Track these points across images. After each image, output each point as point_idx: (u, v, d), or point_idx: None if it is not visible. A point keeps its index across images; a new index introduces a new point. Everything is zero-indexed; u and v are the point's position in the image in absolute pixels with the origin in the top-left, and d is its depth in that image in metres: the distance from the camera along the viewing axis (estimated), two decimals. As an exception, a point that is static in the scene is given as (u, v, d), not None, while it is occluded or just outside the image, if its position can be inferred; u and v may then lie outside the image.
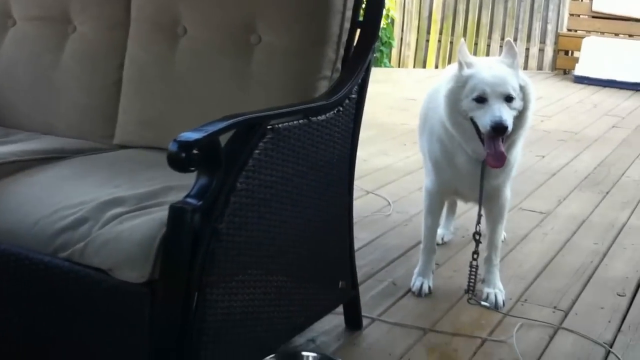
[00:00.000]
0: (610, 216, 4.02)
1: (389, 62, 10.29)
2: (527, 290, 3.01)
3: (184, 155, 1.70)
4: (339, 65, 2.34)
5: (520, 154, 2.89)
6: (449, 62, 10.42)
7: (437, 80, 2.93)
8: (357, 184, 4.13)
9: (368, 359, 2.41)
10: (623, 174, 4.96)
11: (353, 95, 2.31)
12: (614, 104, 7.82)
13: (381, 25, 9.78)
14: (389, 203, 3.94)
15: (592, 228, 3.81)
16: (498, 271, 2.95)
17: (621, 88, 8.82)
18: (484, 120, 2.52)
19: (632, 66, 8.93)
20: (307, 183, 2.14)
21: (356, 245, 3.15)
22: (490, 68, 2.61)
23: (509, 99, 2.54)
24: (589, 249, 3.51)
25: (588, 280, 3.15)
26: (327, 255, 2.34)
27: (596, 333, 2.68)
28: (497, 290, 2.89)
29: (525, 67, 10.38)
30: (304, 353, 2.24)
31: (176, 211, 1.73)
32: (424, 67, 10.66)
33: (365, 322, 2.62)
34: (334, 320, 2.56)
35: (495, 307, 2.83)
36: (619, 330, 2.72)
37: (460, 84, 2.59)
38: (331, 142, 2.23)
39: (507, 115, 2.51)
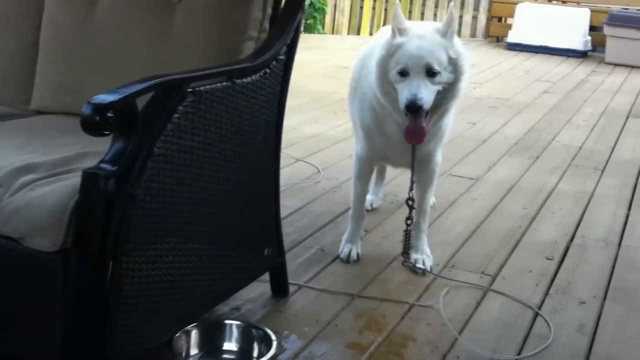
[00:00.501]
0: (539, 181, 4.05)
1: (322, 28, 10.19)
2: (455, 256, 3.01)
3: (98, 118, 1.63)
4: (266, 25, 2.27)
5: (452, 121, 2.87)
6: (384, 28, 10.38)
7: (369, 45, 2.88)
8: (287, 151, 4.11)
9: (294, 326, 2.37)
10: (553, 139, 5.01)
11: (281, 57, 2.25)
12: (546, 70, 7.91)
13: (314, -10, 9.76)
14: (319, 170, 3.90)
15: (521, 193, 3.83)
16: (426, 237, 2.93)
17: (553, 54, 8.92)
18: (402, 96, 2.47)
19: (564, 32, 9.04)
20: (230, 148, 2.07)
21: (284, 212, 3.12)
22: (420, 38, 2.53)
23: (431, 73, 2.47)
24: (518, 213, 3.53)
25: (516, 245, 3.16)
26: (252, 222, 2.28)
27: (524, 296, 2.69)
28: (425, 255, 2.88)
29: (459, 35, 10.38)
30: (227, 322, 2.21)
31: (89, 177, 1.65)
32: (358, 34, 10.59)
33: (292, 289, 2.58)
34: (260, 287, 2.51)
35: (423, 272, 2.82)
36: (546, 293, 2.73)
37: (390, 53, 2.54)
38: (257, 105, 2.17)
39: (424, 92, 2.45)
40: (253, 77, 2.11)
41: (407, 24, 2.58)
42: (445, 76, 2.51)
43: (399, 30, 2.54)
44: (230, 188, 2.10)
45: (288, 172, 3.75)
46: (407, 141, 2.58)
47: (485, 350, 2.31)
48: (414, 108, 2.44)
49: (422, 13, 10.59)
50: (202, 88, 1.90)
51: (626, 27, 8.62)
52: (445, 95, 2.56)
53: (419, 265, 2.83)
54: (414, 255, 2.87)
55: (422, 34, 2.56)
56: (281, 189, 3.45)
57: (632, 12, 9.39)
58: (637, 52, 8.53)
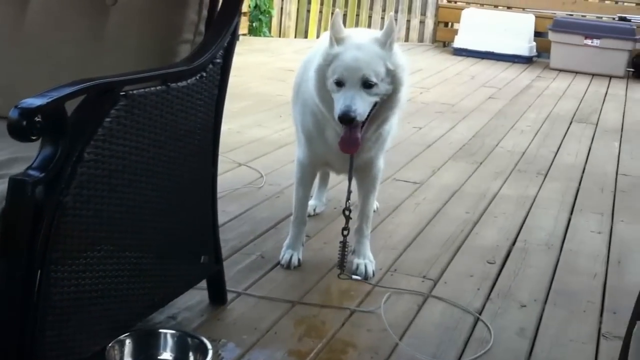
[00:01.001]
0: (483, 186, 4.06)
1: (269, 31, 10.17)
2: (397, 261, 3.00)
3: (24, 123, 1.59)
4: (202, 28, 2.23)
5: (395, 128, 2.87)
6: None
7: (312, 50, 2.86)
8: (229, 156, 4.08)
9: (232, 334, 2.33)
10: (497, 145, 5.04)
11: (218, 60, 2.21)
12: (492, 76, 7.98)
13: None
14: (262, 175, 3.86)
15: (464, 198, 3.85)
16: (368, 242, 2.92)
17: (499, 60, 9.00)
18: (336, 107, 2.46)
19: (509, 38, 9.13)
20: (165, 154, 2.03)
21: (224, 218, 3.10)
22: (357, 48, 2.50)
23: (367, 85, 2.45)
24: (461, 218, 3.53)
25: (458, 249, 3.16)
26: (188, 229, 2.24)
27: (465, 301, 2.69)
28: (367, 260, 2.87)
29: (407, 40, 10.49)
30: (162, 330, 2.16)
31: (15, 184, 1.61)
32: (306, 37, 10.60)
33: (231, 296, 2.54)
34: (197, 295, 2.47)
35: (365, 277, 2.80)
36: (487, 298, 2.74)
37: (327, 62, 2.51)
38: (193, 109, 2.13)
39: (359, 103, 2.43)
40: (189, 81, 2.07)
41: (346, 33, 2.56)
42: (382, 88, 2.49)
43: (336, 40, 2.51)
44: (164, 194, 2.05)
45: (230, 177, 3.71)
46: (341, 150, 2.56)
47: (426, 356, 2.30)
48: (346, 119, 2.43)
49: (370, 17, 10.63)
50: (135, 91, 1.86)
51: (570, 33, 8.73)
52: (384, 105, 2.54)
53: (355, 276, 2.80)
54: (356, 261, 2.86)
55: (360, 44, 2.53)
56: (222, 194, 3.47)
57: (577, 18, 9.52)
58: (581, 58, 8.65)
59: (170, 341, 2.12)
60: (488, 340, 2.42)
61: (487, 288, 2.82)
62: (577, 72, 8.58)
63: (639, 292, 1.77)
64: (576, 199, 4.00)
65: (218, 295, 2.48)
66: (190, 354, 2.08)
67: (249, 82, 6.19)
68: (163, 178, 2.04)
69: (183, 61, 2.13)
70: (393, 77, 2.52)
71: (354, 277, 2.80)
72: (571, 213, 3.77)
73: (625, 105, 7.01)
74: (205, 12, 2.23)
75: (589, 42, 8.65)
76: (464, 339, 2.43)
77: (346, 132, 2.49)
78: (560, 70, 8.68)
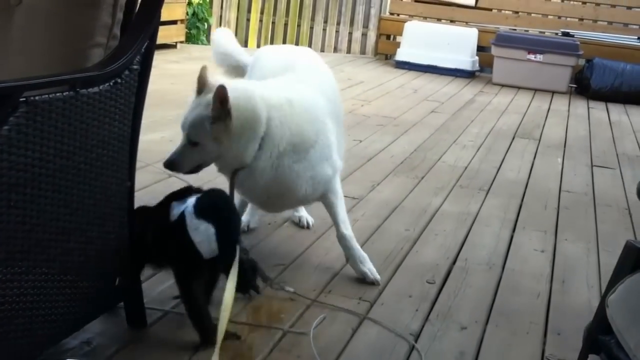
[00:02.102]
0: (424, 202, 3.95)
1: (207, 39, 9.97)
2: (332, 281, 2.85)
3: None
4: (116, 31, 2.07)
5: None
6: (271, 43, 10.27)
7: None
8: (160, 166, 3.89)
9: (152, 359, 2.15)
10: (439, 159, 4.94)
11: (135, 67, 2.04)
12: (434, 90, 7.91)
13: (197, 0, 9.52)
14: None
15: (405, 214, 3.72)
16: (356, 243, 2.90)
17: (441, 74, 8.95)
18: None
19: (452, 52, 9.07)
20: (74, 165, 1.86)
21: (151, 234, 2.91)
22: (190, 107, 2.62)
23: (192, 142, 2.59)
24: (400, 235, 3.40)
25: (397, 268, 3.03)
26: (102, 248, 2.05)
27: (403, 323, 2.55)
28: (367, 265, 2.87)
29: (349, 52, 10.42)
30: (68, 360, 1.97)
31: None
32: (246, 46, 10.41)
33: (155, 316, 2.37)
34: (115, 318, 2.28)
35: (373, 282, 2.84)
36: (426, 319, 2.61)
37: None
38: (107, 118, 1.96)
39: (182, 157, 2.64)
40: (101, 87, 1.90)
41: (210, 84, 2.60)
42: (209, 147, 2.57)
43: (197, 90, 2.63)
44: (72, 210, 1.87)
45: (159, 188, 3.53)
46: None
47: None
48: (168, 166, 2.66)
49: (312, 28, 10.53)
50: (37, 97, 1.69)
51: (513, 48, 8.71)
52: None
53: (369, 278, 2.85)
54: (358, 269, 2.87)
55: (197, 104, 2.60)
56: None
57: (520, 32, 9.55)
58: (524, 73, 8.64)
59: (76, 373, 1.94)
60: (426, 366, 2.29)
61: (426, 309, 2.68)
62: (519, 87, 8.57)
63: (586, 329, 1.65)
64: (519, 216, 3.90)
65: (137, 318, 2.29)
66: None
67: (185, 89, 5.96)
68: (71, 193, 1.86)
69: (95, 66, 1.97)
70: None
71: (287, 288, 2.70)
72: (513, 230, 3.67)
73: (568, 121, 7.00)
74: (120, 15, 2.07)
75: (532, 57, 8.65)
76: (401, 365, 2.29)
77: None
78: (503, 85, 8.66)
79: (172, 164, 2.63)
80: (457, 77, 8.88)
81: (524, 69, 8.65)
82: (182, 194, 2.31)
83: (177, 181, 3.72)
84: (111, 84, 1.94)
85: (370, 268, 2.87)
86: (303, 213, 3.39)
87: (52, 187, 1.78)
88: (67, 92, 1.79)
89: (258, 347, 2.30)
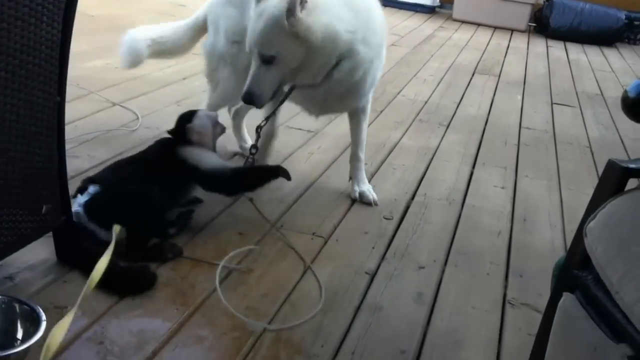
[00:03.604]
0: (382, 135, 3.78)
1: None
2: (285, 215, 2.68)
3: None
4: None
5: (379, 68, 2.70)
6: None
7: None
8: (103, 94, 3.68)
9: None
10: (398, 93, 4.78)
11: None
12: (394, 23, 7.71)
13: None
14: (138, 117, 3.47)
15: (362, 147, 3.54)
16: (363, 166, 2.95)
17: (401, 8, 8.76)
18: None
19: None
20: (-9, 74, 1.63)
21: (89, 163, 2.75)
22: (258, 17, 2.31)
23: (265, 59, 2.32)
24: (357, 169, 3.22)
25: (353, 204, 2.87)
26: (26, 171, 1.82)
27: (358, 261, 2.40)
28: (368, 187, 2.92)
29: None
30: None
31: None
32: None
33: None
34: (43, 253, 2.09)
35: (371, 203, 2.86)
36: (383, 257, 2.46)
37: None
38: (32, 18, 1.69)
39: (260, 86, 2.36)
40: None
41: None
42: (289, 54, 2.31)
43: None
44: (-9, 128, 1.66)
45: (102, 117, 3.32)
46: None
47: (311, 325, 1.99)
48: (247, 99, 2.38)
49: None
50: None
51: (474, -15, 8.54)
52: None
53: (366, 198, 2.88)
54: (356, 188, 2.89)
55: (261, 11, 2.32)
56: (90, 136, 3.08)
57: (481, -31, 9.34)
58: (484, 10, 8.49)
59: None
60: (381, 307, 2.13)
61: (383, 246, 2.53)
62: (479, 24, 8.44)
63: (562, 262, 1.49)
64: (479, 152, 3.76)
65: (66, 253, 2.09)
66: (19, 324, 1.71)
67: (135, 14, 5.72)
68: (-11, 107, 1.64)
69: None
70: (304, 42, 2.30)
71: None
72: (473, 166, 3.53)
73: (527, 59, 6.89)
74: None
75: (492, -7, 8.49)
76: (355, 305, 2.13)
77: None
78: (463, 22, 8.51)
79: (252, 95, 2.34)
80: (417, 12, 8.70)
81: (484, 6, 8.49)
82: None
83: (121, 110, 3.52)
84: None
85: (369, 189, 2.89)
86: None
87: (-35, 99, 1.56)
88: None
89: (202, 285, 2.12)
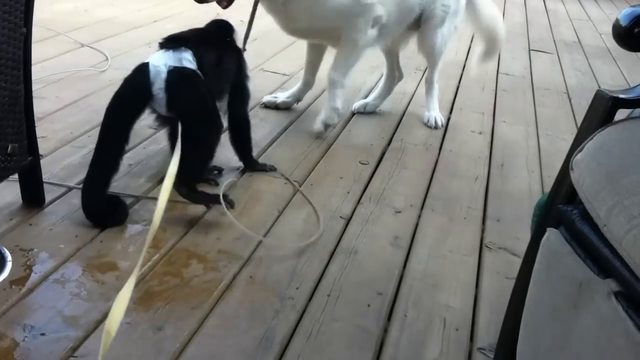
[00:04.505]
0: (358, 80, 3.73)
1: None
2: (259, 159, 2.60)
3: None
4: None
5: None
6: None
7: None
8: (72, 35, 3.57)
9: (47, 241, 1.89)
10: (374, 39, 4.67)
11: None
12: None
13: None
14: (107, 58, 3.37)
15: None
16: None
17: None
18: None
19: None
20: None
21: (56, 105, 2.66)
22: None
23: None
24: (332, 113, 3.16)
25: (328, 149, 2.81)
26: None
27: (333, 205, 2.35)
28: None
29: None
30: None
31: None
32: None
33: (53, 195, 2.11)
34: (9, 195, 2.02)
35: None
36: (358, 202, 2.41)
37: None
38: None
39: None
40: None
41: None
42: None
43: None
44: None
45: (69, 58, 3.22)
46: None
47: (285, 270, 1.94)
48: None
49: None
50: None
51: None
52: None
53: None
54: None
55: None
56: (57, 77, 2.99)
57: None
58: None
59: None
60: (357, 250, 2.09)
61: (359, 191, 2.48)
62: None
63: (545, 200, 1.44)
64: (456, 97, 3.71)
65: (33, 195, 2.02)
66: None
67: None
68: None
69: None
70: None
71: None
72: (451, 112, 3.48)
73: (504, 7, 6.80)
74: None
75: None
76: (330, 249, 2.08)
77: None
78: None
79: None
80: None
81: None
82: None
83: (90, 52, 3.42)
84: None
85: (331, 115, 2.89)
86: (433, 113, 3.33)
87: None
88: None
89: (173, 229, 2.06)
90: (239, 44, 2.36)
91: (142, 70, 2.01)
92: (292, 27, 2.82)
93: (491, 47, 3.53)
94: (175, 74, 2.00)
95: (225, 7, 2.50)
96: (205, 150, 2.10)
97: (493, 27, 3.46)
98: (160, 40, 2.14)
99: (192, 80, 2.03)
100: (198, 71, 2.05)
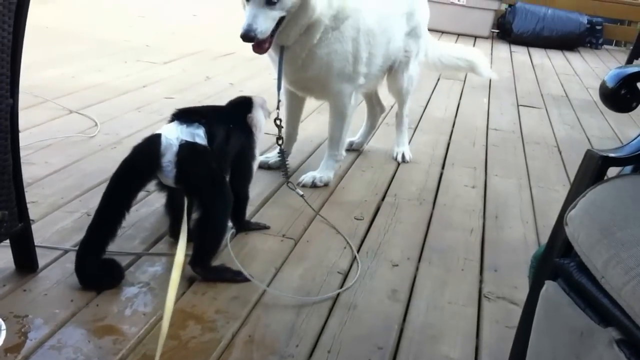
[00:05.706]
0: (349, 139, 3.72)
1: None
2: (254, 217, 2.61)
3: None
4: None
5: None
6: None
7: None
8: (60, 102, 3.59)
9: (41, 307, 1.86)
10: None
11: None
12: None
13: None
14: (96, 124, 3.38)
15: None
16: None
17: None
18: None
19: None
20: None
21: (45, 171, 2.67)
22: None
23: (269, 1, 2.51)
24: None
25: (323, 205, 2.81)
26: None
27: (330, 261, 2.33)
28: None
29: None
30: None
31: None
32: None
33: (47, 260, 2.09)
34: (2, 259, 2.00)
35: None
36: (355, 257, 2.39)
37: None
38: (-18, 21, 1.65)
39: (260, 22, 2.51)
40: (-27, -18, 1.59)
41: None
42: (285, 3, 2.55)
43: None
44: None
45: (58, 124, 3.24)
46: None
47: (283, 327, 1.92)
48: (246, 39, 2.51)
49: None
50: None
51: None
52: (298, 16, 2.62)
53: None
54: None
55: None
56: (47, 143, 3.00)
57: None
58: (448, 17, 8.49)
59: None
60: (356, 305, 2.07)
61: (355, 246, 2.47)
62: (443, 32, 8.42)
63: (541, 253, 1.45)
64: (447, 153, 3.73)
65: (25, 261, 2.00)
66: (-24, 334, 1.62)
67: (91, 24, 5.63)
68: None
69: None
70: None
71: (298, 191, 2.81)
72: (443, 167, 3.49)
73: (491, 63, 6.87)
74: None
75: (455, 0, 8.49)
76: (329, 304, 2.06)
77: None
78: (429, 30, 8.48)
79: (249, 31, 2.50)
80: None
81: (447, 13, 8.49)
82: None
83: (79, 118, 3.44)
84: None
85: (321, 178, 3.01)
86: (402, 148, 3.57)
87: None
88: None
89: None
90: (260, 118, 2.42)
91: (154, 141, 2.01)
92: (300, 84, 2.98)
93: (477, 70, 3.77)
94: (187, 149, 2.01)
95: (260, 53, 2.63)
96: (217, 226, 2.10)
97: (463, 57, 3.76)
98: (175, 111, 2.15)
99: (203, 156, 2.04)
100: (209, 147, 2.06)
